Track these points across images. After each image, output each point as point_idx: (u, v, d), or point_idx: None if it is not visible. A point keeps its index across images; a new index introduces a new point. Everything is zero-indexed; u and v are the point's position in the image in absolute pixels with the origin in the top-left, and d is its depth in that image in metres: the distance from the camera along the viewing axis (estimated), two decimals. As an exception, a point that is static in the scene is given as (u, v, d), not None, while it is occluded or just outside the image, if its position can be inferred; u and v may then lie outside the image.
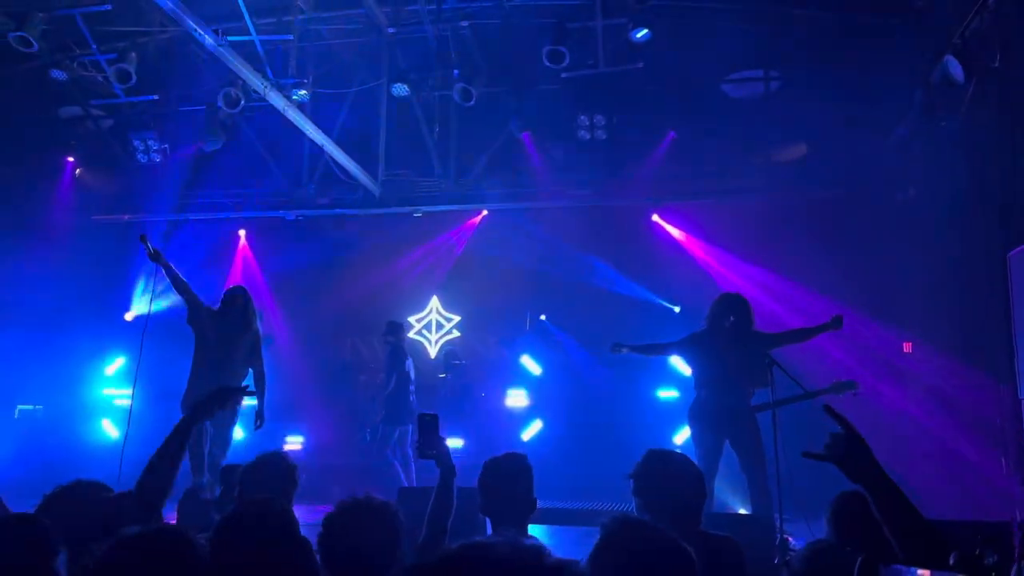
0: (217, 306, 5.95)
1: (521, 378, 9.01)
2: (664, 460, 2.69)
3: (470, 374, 9.14)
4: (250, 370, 5.92)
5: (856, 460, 1.86)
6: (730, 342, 5.59)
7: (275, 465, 3.18)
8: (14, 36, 6.94)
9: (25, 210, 8.69)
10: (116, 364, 9.30)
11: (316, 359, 9.26)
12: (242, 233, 9.76)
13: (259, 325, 6.09)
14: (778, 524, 4.85)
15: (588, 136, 8.26)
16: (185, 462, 2.86)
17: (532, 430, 8.69)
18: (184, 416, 2.87)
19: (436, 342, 9.92)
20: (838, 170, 7.61)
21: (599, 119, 8.21)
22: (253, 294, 6.12)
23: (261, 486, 2.91)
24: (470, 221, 9.42)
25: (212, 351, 5.82)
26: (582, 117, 8.20)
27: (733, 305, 5.67)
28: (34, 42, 7.02)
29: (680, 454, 2.82)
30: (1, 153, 8.70)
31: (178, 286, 5.85)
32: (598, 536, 1.71)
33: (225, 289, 6.24)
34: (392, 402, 7.56)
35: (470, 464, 6.84)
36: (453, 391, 8.97)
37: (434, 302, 10.00)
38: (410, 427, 7.46)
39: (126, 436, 6.10)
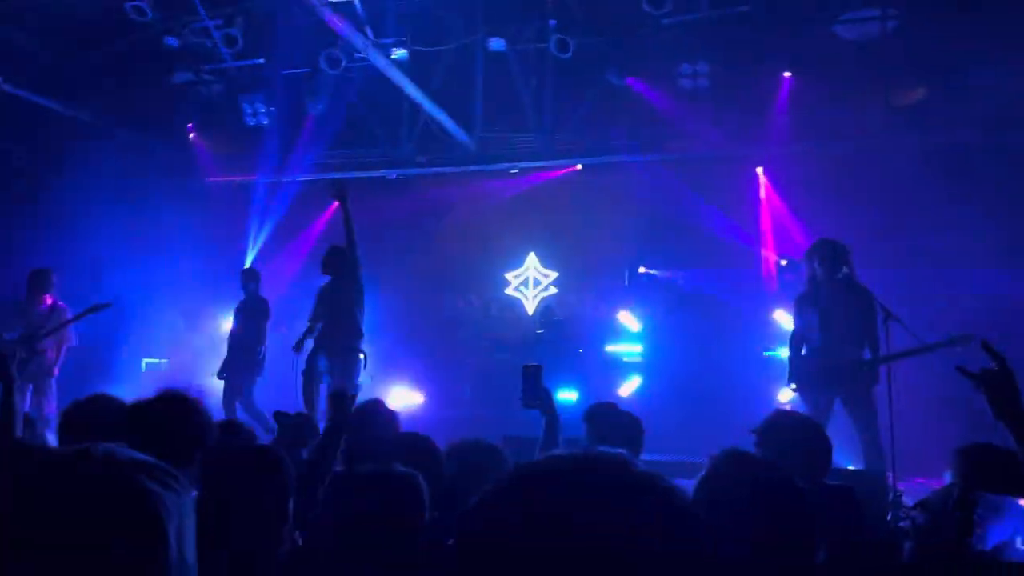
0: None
1: (620, 334, 8.94)
2: (791, 418, 2.64)
3: (568, 330, 9.13)
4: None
5: (1005, 396, 1.90)
6: (838, 295, 5.37)
7: (378, 414, 3.30)
8: (130, 6, 7.26)
9: (145, 173, 9.14)
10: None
11: (417, 316, 9.45)
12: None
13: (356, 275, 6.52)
14: (891, 481, 4.71)
15: (691, 85, 7.98)
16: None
17: (631, 386, 8.63)
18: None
19: (533, 298, 9.95)
20: (968, 112, 7.07)
21: (702, 67, 7.91)
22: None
23: (364, 434, 3.01)
24: (567, 175, 9.31)
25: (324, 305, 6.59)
26: (684, 66, 7.92)
27: (828, 251, 5.44)
28: (148, 11, 7.33)
29: (810, 418, 2.75)
30: (121, 119, 9.17)
31: (350, 237, 6.44)
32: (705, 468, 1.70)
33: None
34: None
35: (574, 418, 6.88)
36: (551, 347, 8.99)
37: (531, 258, 10.02)
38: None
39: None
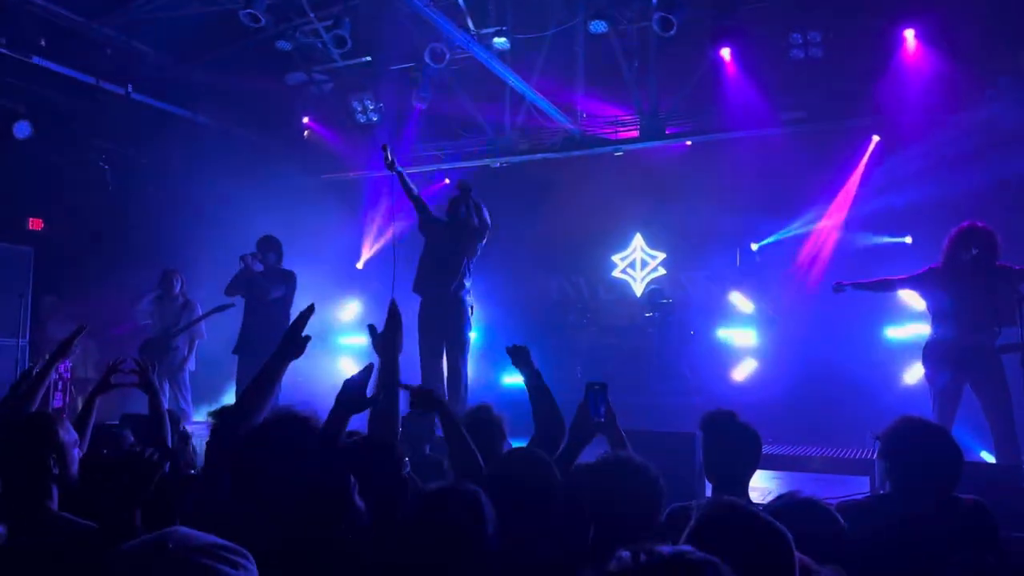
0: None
1: (732, 316, 8.75)
2: (917, 428, 2.48)
3: (678, 312, 9.02)
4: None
5: None
6: (972, 276, 5.08)
7: (485, 421, 3.29)
8: (244, 13, 7.60)
9: (266, 172, 9.57)
10: (351, 310, 10.14)
11: (525, 300, 9.55)
12: (447, 181, 10.11)
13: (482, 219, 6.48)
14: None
15: (802, 55, 7.65)
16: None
17: (745, 370, 8.44)
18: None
19: (641, 280, 9.87)
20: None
21: (814, 36, 7.57)
22: None
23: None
24: (672, 154, 9.14)
25: (437, 253, 6.45)
26: (795, 35, 7.61)
27: (976, 236, 5.12)
28: (261, 17, 7.65)
29: (939, 428, 2.58)
30: (242, 121, 9.64)
31: (410, 194, 6.50)
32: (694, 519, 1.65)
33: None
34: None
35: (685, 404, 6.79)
36: (661, 330, 8.91)
37: (638, 240, 9.92)
38: None
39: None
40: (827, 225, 8.32)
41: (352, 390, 2.50)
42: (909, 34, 7.41)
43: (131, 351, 6.38)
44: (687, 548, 0.78)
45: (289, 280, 7.11)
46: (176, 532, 1.10)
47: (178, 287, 7.93)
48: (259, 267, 7.03)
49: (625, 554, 0.77)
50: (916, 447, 2.41)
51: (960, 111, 7.26)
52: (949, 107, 7.31)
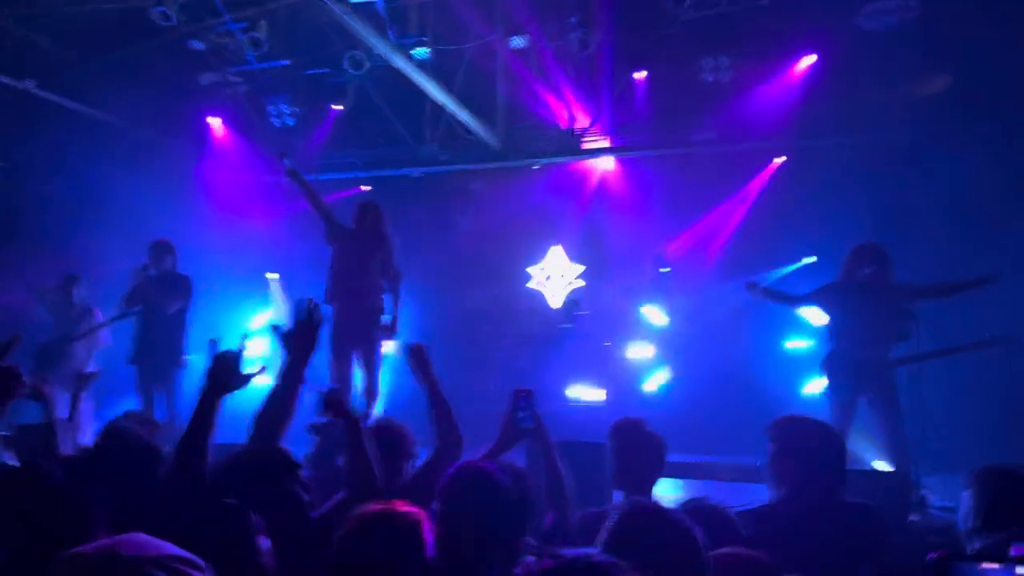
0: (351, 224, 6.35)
1: (645, 328, 8.97)
2: (804, 426, 2.61)
3: (593, 324, 9.18)
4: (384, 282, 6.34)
5: None
6: (868, 293, 5.37)
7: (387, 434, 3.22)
8: (155, 11, 7.36)
9: (176, 176, 9.25)
10: (265, 316, 9.88)
11: (442, 310, 9.53)
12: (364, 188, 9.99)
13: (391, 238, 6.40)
14: (915, 481, 4.71)
15: (712, 79, 7.97)
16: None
17: (656, 380, 8.67)
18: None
19: (560, 292, 9.99)
20: (995, 100, 6.98)
21: (723, 60, 7.90)
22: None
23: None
24: (589, 170, 9.34)
25: (347, 264, 6.26)
26: (706, 59, 7.92)
27: (871, 254, 5.42)
28: (172, 15, 7.42)
29: (821, 423, 2.71)
30: (150, 121, 9.29)
31: (314, 202, 6.33)
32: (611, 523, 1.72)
33: (357, 204, 6.55)
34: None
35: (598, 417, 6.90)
36: (576, 341, 9.05)
37: (557, 251, 10.06)
38: None
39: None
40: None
41: (226, 363, 2.28)
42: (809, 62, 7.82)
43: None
44: (592, 551, 0.82)
45: (186, 289, 6.94)
46: (131, 539, 1.08)
47: (77, 293, 7.56)
48: (153, 272, 6.82)
49: (530, 558, 0.80)
50: (800, 438, 2.54)
51: (863, 132, 7.67)
52: (852, 127, 7.71)
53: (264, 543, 1.97)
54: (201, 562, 1.09)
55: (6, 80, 7.85)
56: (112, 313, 7.33)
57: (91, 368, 7.38)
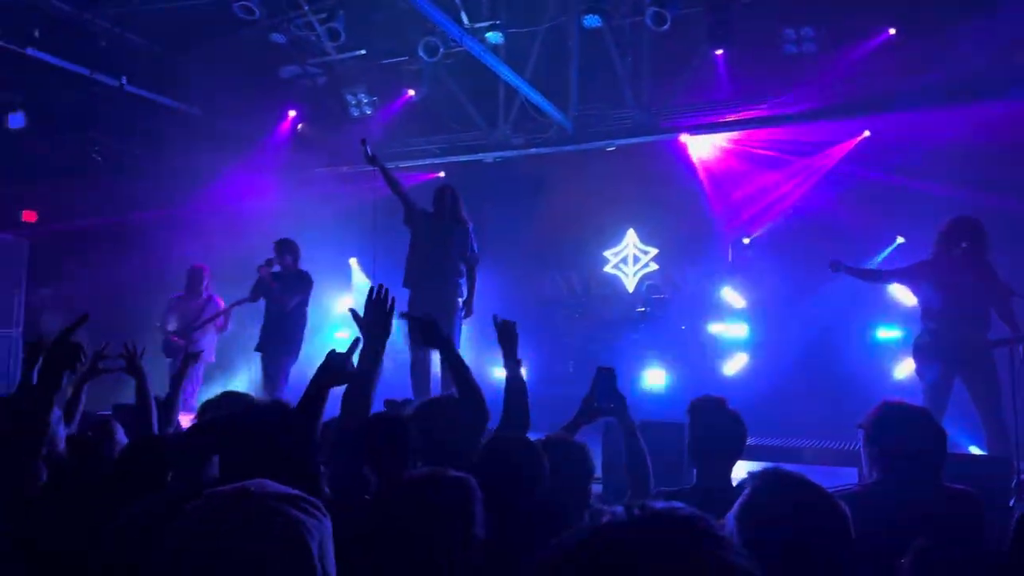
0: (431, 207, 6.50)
1: (724, 311, 8.79)
2: (900, 412, 2.49)
3: (670, 307, 9.05)
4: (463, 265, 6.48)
5: None
6: (963, 270, 5.12)
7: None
8: (238, 5, 7.58)
9: (256, 165, 9.54)
10: (344, 304, 10.11)
11: (517, 296, 9.55)
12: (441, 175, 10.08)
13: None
14: (1015, 465, 4.49)
15: (795, 50, 7.71)
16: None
17: (735, 364, 8.49)
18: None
19: (633, 275, 9.90)
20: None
21: (807, 31, 7.63)
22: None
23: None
24: (663, 151, 9.17)
25: (426, 247, 6.38)
26: (787, 31, 7.66)
27: (967, 228, 5.16)
28: (256, 9, 7.63)
29: (920, 408, 2.59)
30: (232, 113, 9.58)
31: (394, 187, 6.47)
32: (746, 492, 1.63)
33: (435, 188, 6.71)
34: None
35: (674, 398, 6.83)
36: (653, 325, 8.95)
37: (631, 235, 9.95)
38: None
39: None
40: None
41: (336, 360, 2.46)
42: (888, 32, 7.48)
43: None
44: (678, 504, 0.80)
45: (304, 284, 7.33)
46: (259, 482, 1.17)
47: (203, 284, 7.98)
48: (277, 268, 7.25)
49: (619, 508, 0.79)
50: (900, 428, 2.43)
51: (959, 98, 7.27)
52: (946, 94, 7.31)
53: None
54: (321, 504, 1.18)
55: (101, 78, 8.22)
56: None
57: (209, 356, 7.81)
